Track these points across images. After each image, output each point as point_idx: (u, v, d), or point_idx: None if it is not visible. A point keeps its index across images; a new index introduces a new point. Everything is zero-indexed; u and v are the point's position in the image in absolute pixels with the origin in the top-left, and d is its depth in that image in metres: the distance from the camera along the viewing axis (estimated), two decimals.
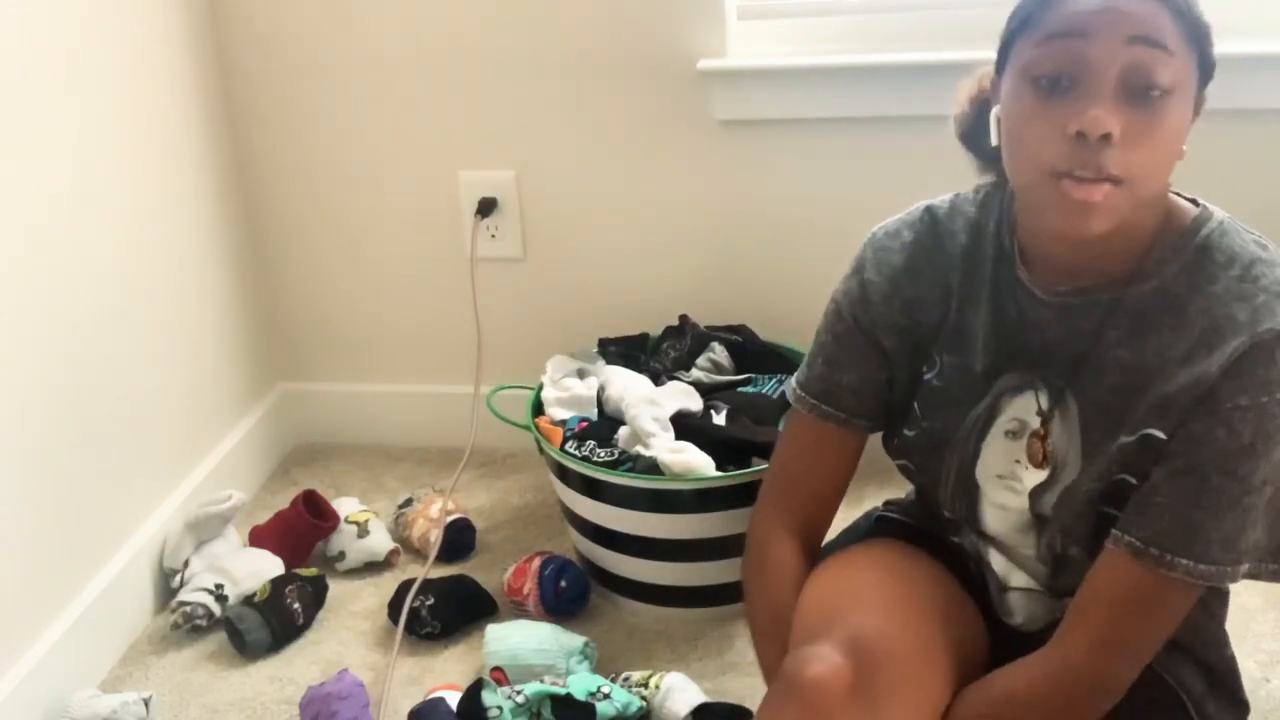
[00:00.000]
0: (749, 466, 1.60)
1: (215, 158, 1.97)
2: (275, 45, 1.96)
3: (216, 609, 1.70)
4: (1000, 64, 1.06)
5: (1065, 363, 1.08)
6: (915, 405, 1.18)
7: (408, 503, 1.93)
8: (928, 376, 1.17)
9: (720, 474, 1.59)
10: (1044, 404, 1.10)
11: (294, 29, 1.94)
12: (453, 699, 1.47)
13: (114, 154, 1.71)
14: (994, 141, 1.06)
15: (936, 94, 1.78)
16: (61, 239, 1.60)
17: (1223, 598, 1.21)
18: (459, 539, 1.85)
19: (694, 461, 1.58)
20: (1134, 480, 1.04)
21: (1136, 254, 1.05)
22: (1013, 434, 1.12)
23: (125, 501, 1.74)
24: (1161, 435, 1.02)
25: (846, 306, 1.20)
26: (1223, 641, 1.21)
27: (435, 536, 1.81)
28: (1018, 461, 1.11)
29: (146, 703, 1.52)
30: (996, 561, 1.19)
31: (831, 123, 1.85)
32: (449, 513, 1.85)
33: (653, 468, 1.59)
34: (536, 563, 1.70)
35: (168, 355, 1.85)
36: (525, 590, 1.69)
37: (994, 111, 1.06)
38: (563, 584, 1.68)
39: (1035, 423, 1.10)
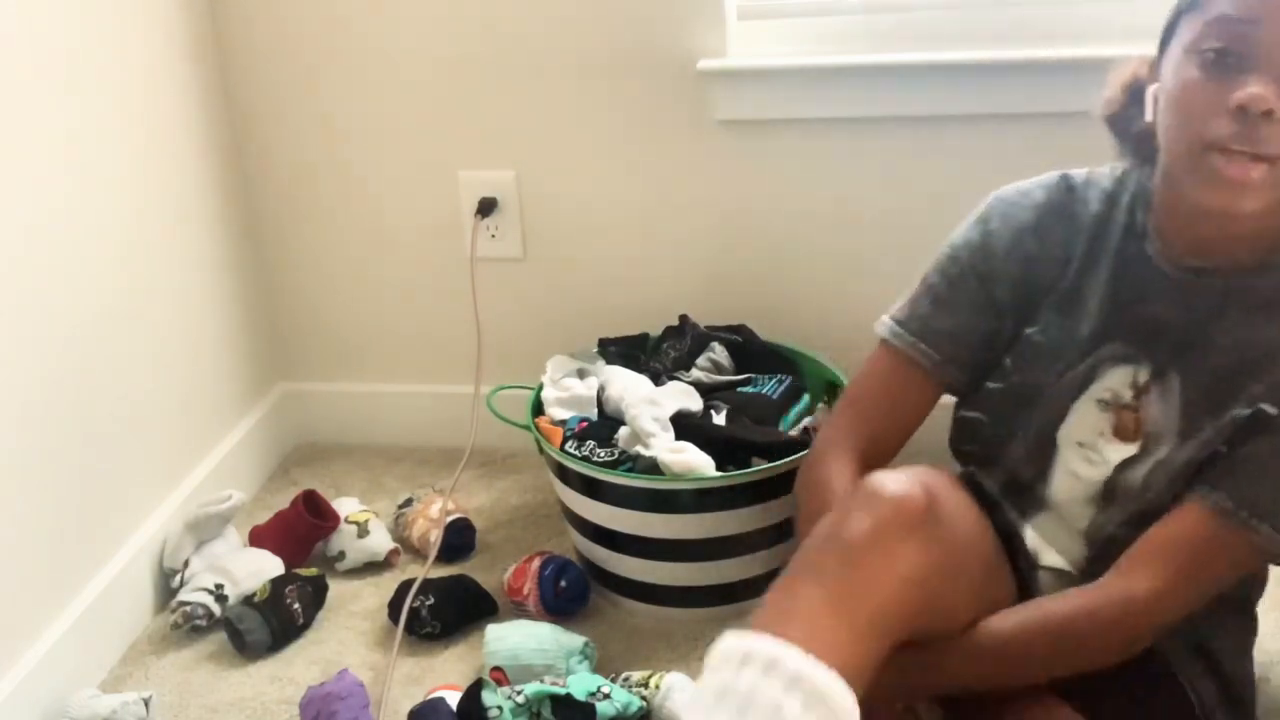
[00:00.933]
0: (749, 466, 1.60)
1: (215, 157, 1.97)
2: (275, 45, 1.96)
3: (216, 609, 1.70)
4: (1164, 43, 1.09)
5: (1174, 340, 1.12)
6: (1007, 359, 1.20)
7: (408, 503, 1.93)
8: (1029, 331, 1.19)
9: (720, 474, 1.59)
10: (1141, 380, 1.13)
11: (294, 29, 1.94)
12: (453, 699, 1.47)
13: (114, 154, 1.71)
14: (1148, 117, 1.09)
15: (936, 94, 1.80)
16: (62, 239, 1.60)
17: (1251, 612, 1.24)
18: (459, 539, 1.85)
19: (694, 461, 1.58)
20: (1226, 449, 1.09)
21: (1266, 241, 1.09)
22: (1104, 404, 1.15)
23: (125, 501, 1.74)
24: (1274, 411, 1.06)
25: (965, 253, 1.23)
26: (1245, 650, 1.23)
27: (435, 536, 1.81)
28: (1101, 434, 1.15)
29: (146, 703, 1.52)
30: (1029, 538, 1.21)
31: (831, 123, 1.85)
32: (449, 513, 1.85)
33: (653, 468, 1.59)
34: (536, 563, 1.70)
35: (168, 355, 1.85)
36: (525, 590, 1.69)
37: (1151, 89, 1.09)
38: (563, 584, 1.68)
39: (1128, 396, 1.14)
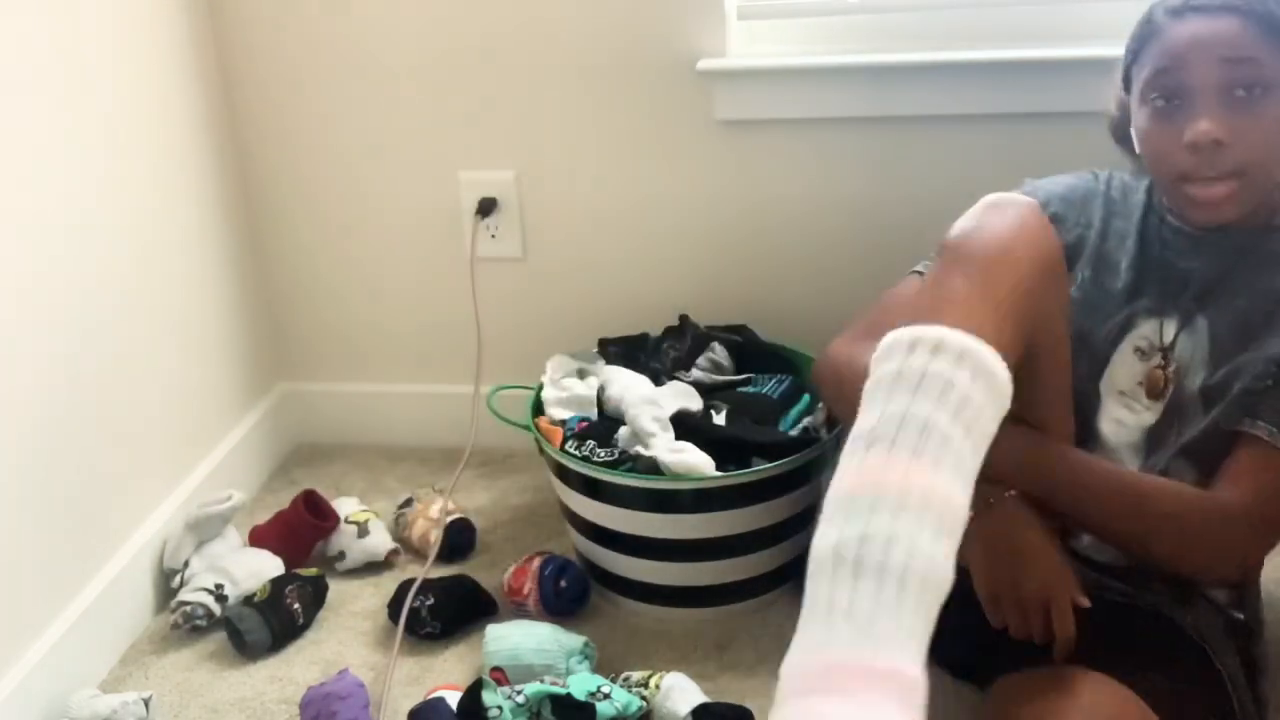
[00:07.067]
0: (749, 466, 1.60)
1: (215, 158, 1.97)
2: (275, 46, 1.96)
3: (216, 609, 1.70)
4: (1126, 85, 1.26)
5: (1199, 289, 1.23)
6: None
7: (408, 503, 1.93)
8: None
9: (720, 474, 1.59)
10: (1169, 333, 1.24)
11: (294, 30, 1.94)
12: (453, 699, 1.47)
13: (114, 156, 1.71)
14: (1136, 150, 1.25)
15: (936, 94, 1.80)
16: (62, 240, 1.60)
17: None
18: (459, 539, 1.85)
19: (694, 461, 1.58)
20: (1272, 385, 1.17)
21: (1265, 210, 1.22)
22: (1141, 352, 1.25)
23: (125, 501, 1.74)
24: None
25: None
26: (1263, 635, 1.29)
27: (435, 536, 1.81)
28: (1140, 384, 1.25)
29: (146, 703, 1.52)
30: None
31: (832, 123, 1.85)
32: (449, 513, 1.85)
33: (653, 468, 1.59)
34: (536, 563, 1.70)
35: (168, 355, 1.85)
36: (525, 590, 1.69)
37: (1133, 129, 1.25)
38: (563, 584, 1.68)
39: (1159, 347, 1.23)
